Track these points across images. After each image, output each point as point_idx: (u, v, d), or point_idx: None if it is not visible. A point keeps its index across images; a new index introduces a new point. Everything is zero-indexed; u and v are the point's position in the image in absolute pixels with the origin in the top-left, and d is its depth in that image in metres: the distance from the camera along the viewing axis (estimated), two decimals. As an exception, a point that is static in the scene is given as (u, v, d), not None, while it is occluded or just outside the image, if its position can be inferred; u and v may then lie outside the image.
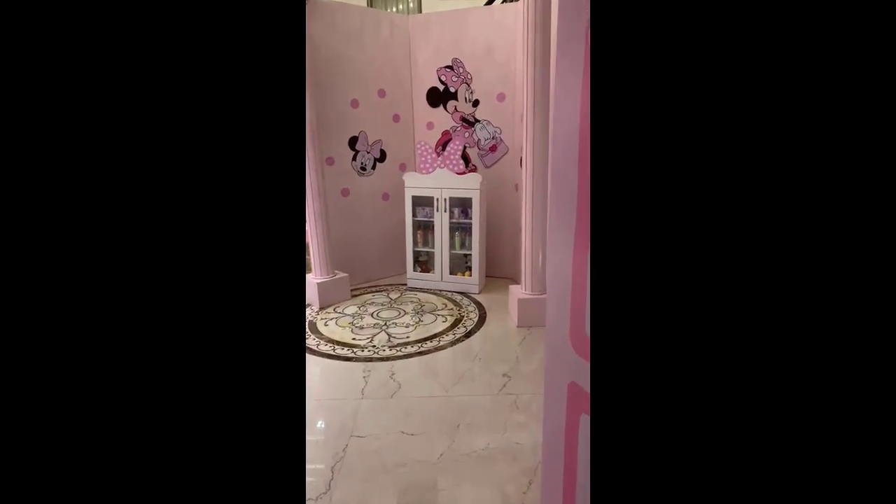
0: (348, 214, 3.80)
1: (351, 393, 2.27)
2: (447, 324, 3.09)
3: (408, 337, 2.89)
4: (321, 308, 3.42)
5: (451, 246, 3.70)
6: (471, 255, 3.66)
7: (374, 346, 2.78)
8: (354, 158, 3.78)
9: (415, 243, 3.80)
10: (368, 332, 2.99)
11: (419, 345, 2.78)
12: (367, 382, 2.36)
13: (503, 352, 2.67)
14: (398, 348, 2.74)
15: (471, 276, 3.69)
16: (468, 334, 2.93)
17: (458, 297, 3.60)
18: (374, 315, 3.26)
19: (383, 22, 3.73)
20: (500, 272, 4.04)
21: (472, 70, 3.76)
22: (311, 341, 2.87)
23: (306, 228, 3.49)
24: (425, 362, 2.57)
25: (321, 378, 2.46)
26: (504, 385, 2.31)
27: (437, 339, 2.86)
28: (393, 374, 2.44)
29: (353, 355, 2.66)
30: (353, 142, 3.74)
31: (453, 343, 2.80)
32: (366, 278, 4.01)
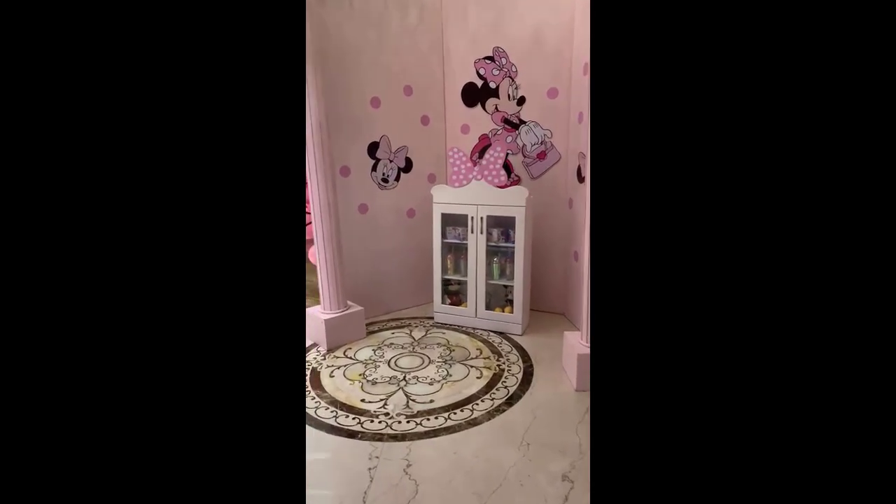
0: (366, 234, 3.20)
1: (349, 497, 1.64)
2: (483, 381, 2.42)
3: (432, 401, 2.24)
4: (329, 350, 2.82)
5: (489, 275, 3.03)
6: (512, 286, 2.98)
7: (387, 412, 2.14)
8: (374, 168, 3.18)
9: (444, 270, 3.15)
10: (382, 389, 2.35)
11: (446, 414, 2.12)
12: (372, 479, 1.72)
13: (560, 434, 1.97)
14: (419, 419, 2.09)
15: (512, 312, 3.00)
16: (510, 400, 2.24)
17: (495, 340, 2.92)
18: (392, 364, 2.63)
19: (411, 5, 3.12)
20: (546, 306, 3.33)
21: (516, 61, 3.09)
22: (309, 400, 2.26)
23: (314, 252, 2.91)
24: (453, 447, 1.90)
25: (313, 466, 1.83)
26: (566, 498, 1.61)
27: (471, 405, 2.19)
28: (409, 464, 1.79)
29: (359, 428, 2.03)
30: (372, 148, 3.14)
31: (491, 415, 2.12)
32: (385, 309, 3.40)
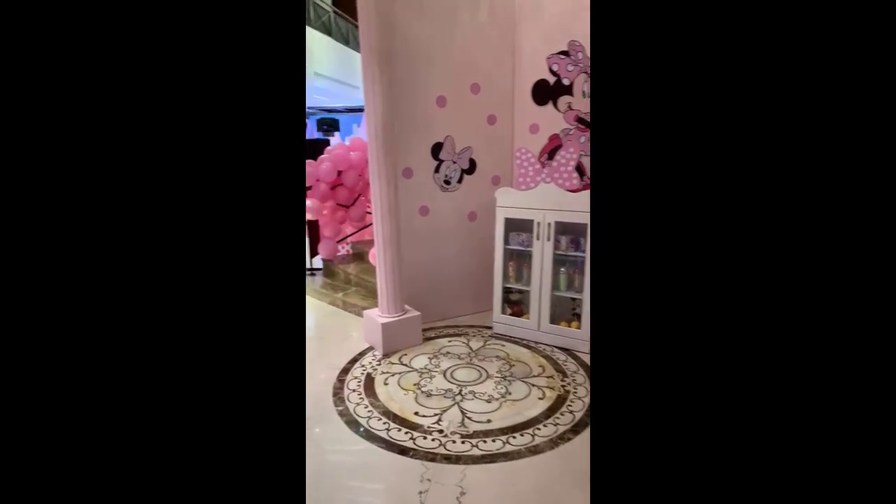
0: (426, 238, 3.11)
1: (398, 522, 1.53)
2: (545, 402, 2.22)
3: (489, 420, 2.08)
4: (385, 355, 2.75)
5: (554, 286, 2.81)
6: (580, 299, 2.74)
7: (441, 430, 2.02)
8: (437, 170, 3.08)
9: (505, 278, 2.98)
10: (437, 403, 2.24)
11: (505, 438, 1.95)
12: (423, 505, 1.60)
13: (634, 474, 1.73)
14: (475, 440, 1.94)
15: (579, 328, 2.76)
16: (576, 428, 2.03)
17: (559, 357, 2.70)
18: (448, 375, 2.50)
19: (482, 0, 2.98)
20: (617, 322, 3.04)
21: (594, 55, 2.84)
22: (361, 409, 2.19)
23: (375, 255, 2.87)
24: (511, 478, 1.73)
25: (362, 484, 1.75)
26: (643, 556, 1.38)
27: (532, 430, 2.01)
28: (463, 492, 1.65)
29: (411, 445, 1.92)
30: (436, 149, 3.04)
31: (554, 443, 1.92)
32: (442, 315, 3.29)
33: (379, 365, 2.65)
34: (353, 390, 2.37)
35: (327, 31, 9.37)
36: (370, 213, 3.84)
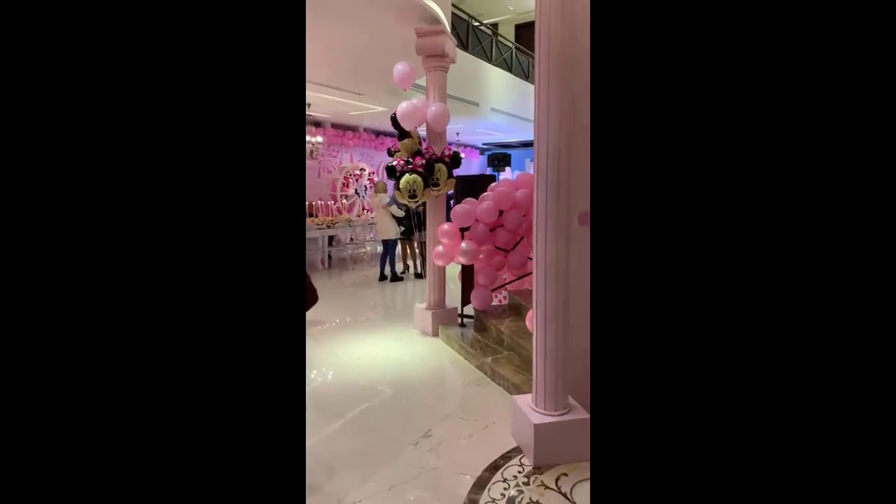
0: (606, 306, 2.26)
1: None
2: None
3: None
4: (537, 468, 1.99)
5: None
6: None
7: None
8: (628, 213, 2.23)
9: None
10: None
11: None
12: None
13: None
14: None
15: None
16: None
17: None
18: (633, 539, 1.59)
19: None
20: None
21: None
22: (494, 569, 1.47)
23: (532, 319, 2.17)
24: None
25: None
26: None
27: None
28: None
29: None
30: (628, 186, 2.21)
31: None
32: (624, 416, 2.34)
33: (527, 485, 1.89)
34: (487, 525, 1.67)
35: (508, 67, 9.30)
36: (532, 258, 3.18)
